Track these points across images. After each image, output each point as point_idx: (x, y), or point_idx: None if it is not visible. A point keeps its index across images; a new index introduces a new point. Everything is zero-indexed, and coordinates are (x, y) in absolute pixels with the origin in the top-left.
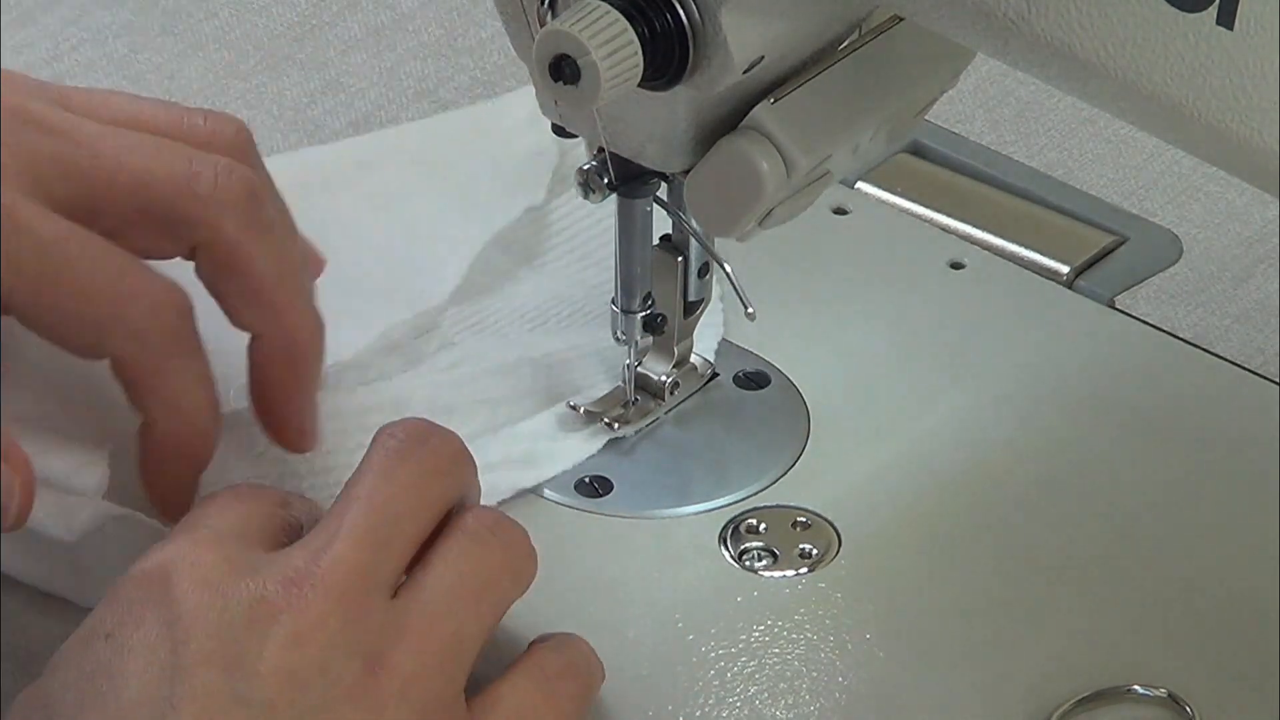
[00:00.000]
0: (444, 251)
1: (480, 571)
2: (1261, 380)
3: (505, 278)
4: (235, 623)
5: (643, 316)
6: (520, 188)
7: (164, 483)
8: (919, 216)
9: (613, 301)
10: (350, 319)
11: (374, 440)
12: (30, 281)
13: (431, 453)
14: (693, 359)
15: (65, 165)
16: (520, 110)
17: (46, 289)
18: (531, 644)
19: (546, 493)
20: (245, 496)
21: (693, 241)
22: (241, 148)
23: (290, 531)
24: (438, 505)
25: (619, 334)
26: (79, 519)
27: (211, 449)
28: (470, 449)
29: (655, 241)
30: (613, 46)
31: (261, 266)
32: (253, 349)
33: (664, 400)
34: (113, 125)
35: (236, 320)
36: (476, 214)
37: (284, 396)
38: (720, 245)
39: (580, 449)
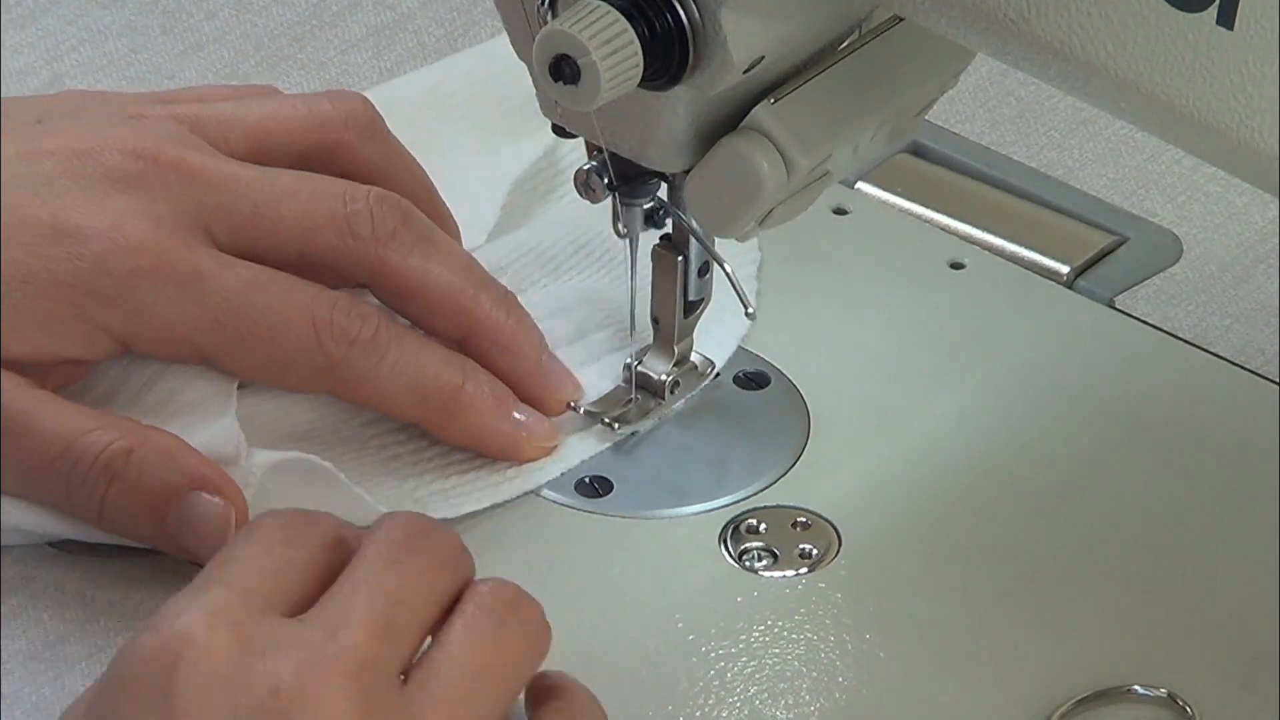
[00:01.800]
0: (476, 190)
1: (500, 654)
2: (1261, 380)
3: (526, 215)
4: (243, 716)
5: (647, 208)
6: (533, 125)
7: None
8: (919, 216)
9: (609, 185)
10: None
11: (375, 529)
12: (225, 330)
13: (436, 547)
14: (693, 358)
15: (228, 217)
16: None
17: (244, 335)
18: None
19: (546, 493)
20: (292, 539)
21: (693, 241)
22: (371, 120)
23: (330, 575)
24: (445, 598)
25: (619, 228)
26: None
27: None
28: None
29: (655, 241)
30: (613, 47)
31: (436, 279)
32: (467, 350)
33: (664, 400)
34: (255, 140)
35: (433, 330)
36: (497, 153)
37: (522, 374)
38: (720, 245)
39: (583, 448)
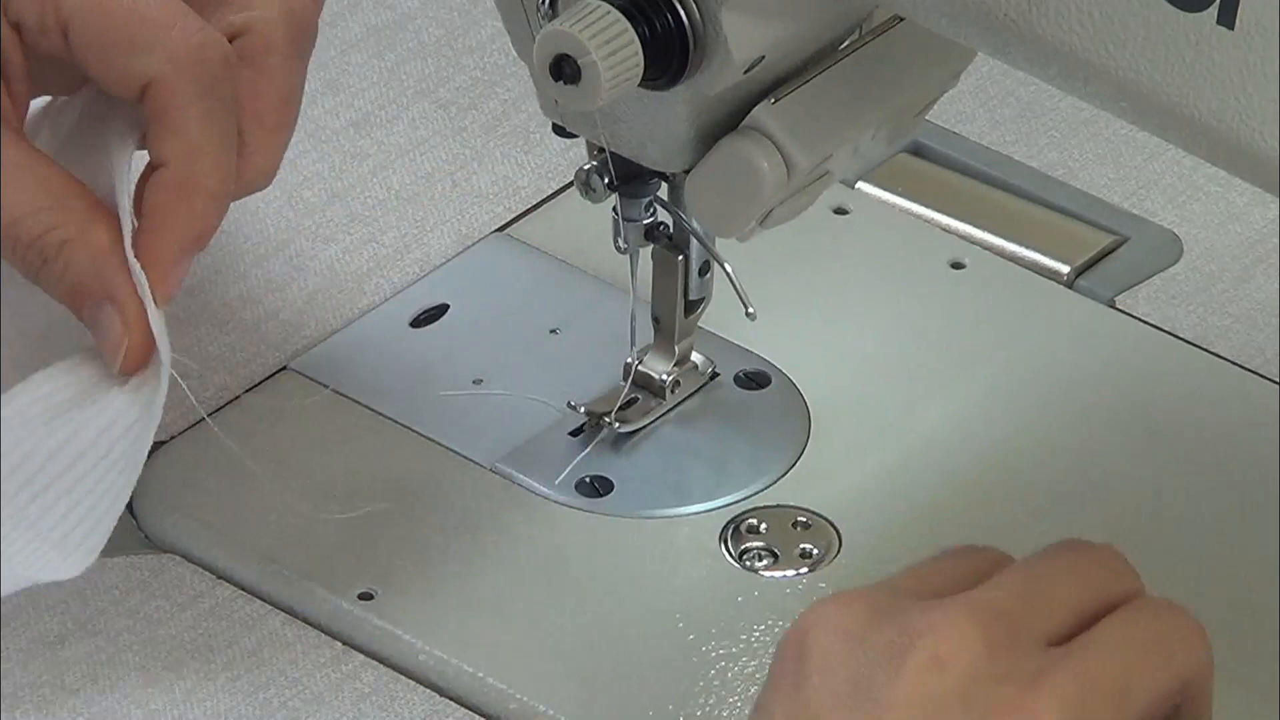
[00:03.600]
0: None
1: (1151, 631)
2: (1261, 380)
3: None
4: (870, 661)
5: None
6: None
7: (158, 244)
8: (919, 216)
9: (614, 209)
10: None
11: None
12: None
13: (1095, 550)
14: (693, 358)
15: None
16: None
17: (99, 8)
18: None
19: (547, 493)
20: (958, 560)
21: (693, 241)
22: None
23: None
24: (1100, 592)
25: (619, 243)
26: None
27: (215, 223)
28: None
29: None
30: (613, 47)
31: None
32: (152, 180)
33: (664, 399)
34: None
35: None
36: None
37: (163, 226)
38: (720, 245)
39: None
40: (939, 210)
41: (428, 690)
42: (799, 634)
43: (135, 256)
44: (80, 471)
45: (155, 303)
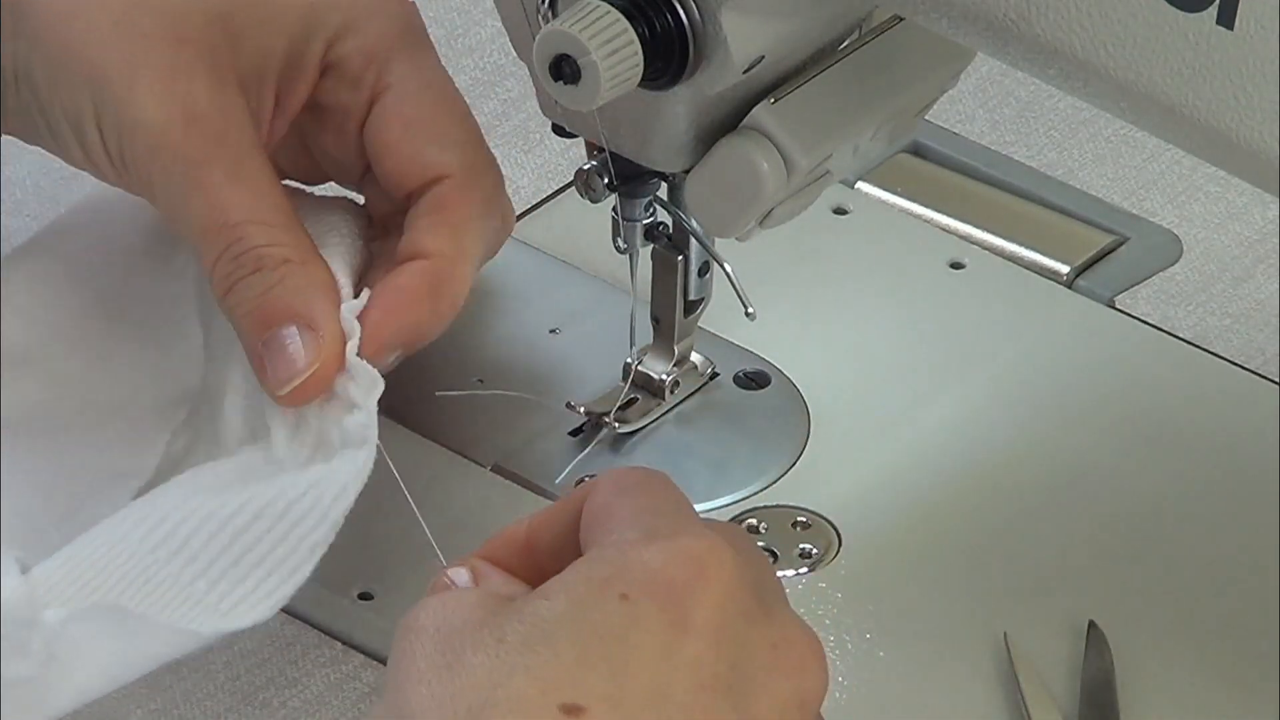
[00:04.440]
0: None
1: None
2: (1261, 380)
3: None
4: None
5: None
6: None
7: (390, 324)
8: (919, 216)
9: (614, 209)
10: None
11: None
12: None
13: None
14: (693, 358)
15: None
16: None
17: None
18: None
19: (547, 493)
20: None
21: (693, 241)
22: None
23: None
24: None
25: (619, 243)
26: None
27: (437, 332)
28: None
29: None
30: (613, 46)
31: None
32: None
33: (664, 399)
34: None
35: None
36: None
37: (402, 309)
38: (720, 245)
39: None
40: (939, 210)
41: None
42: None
43: (365, 324)
44: (285, 528)
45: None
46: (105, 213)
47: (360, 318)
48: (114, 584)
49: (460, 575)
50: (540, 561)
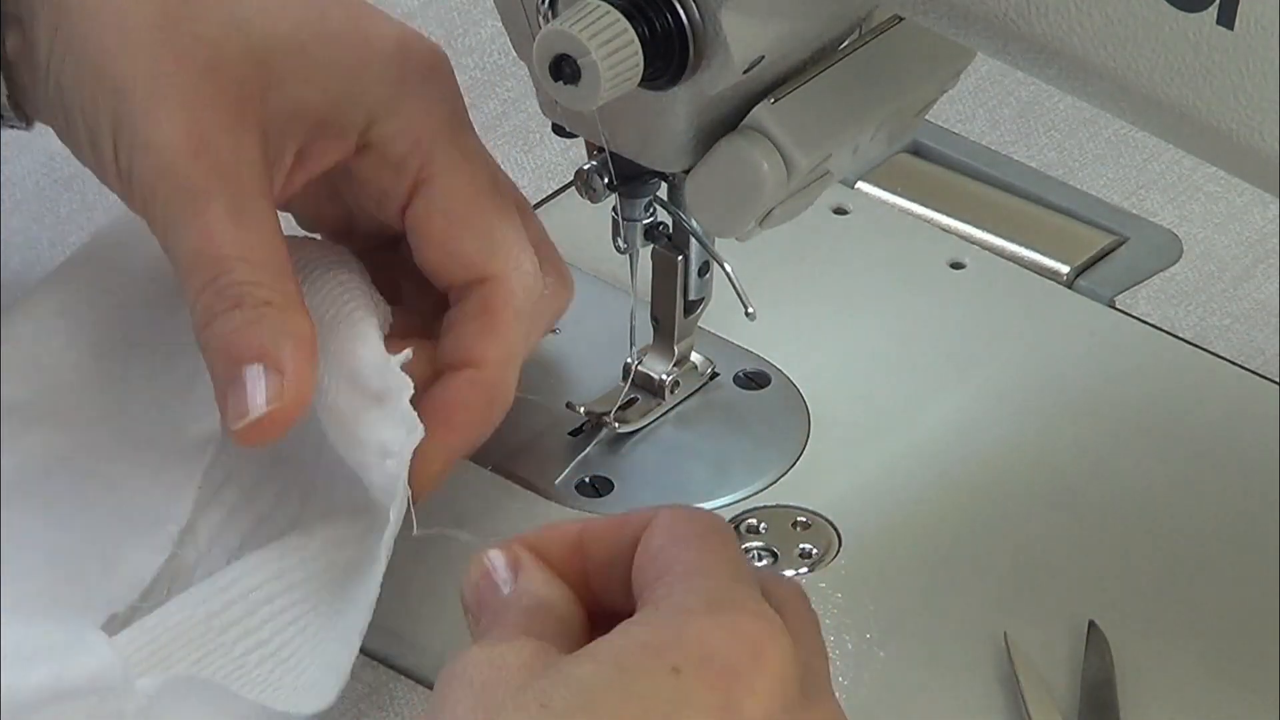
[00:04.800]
0: None
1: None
2: (1261, 380)
3: None
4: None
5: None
6: None
7: (456, 441)
8: (919, 216)
9: (613, 209)
10: None
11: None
12: None
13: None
14: (693, 358)
15: None
16: None
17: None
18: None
19: (547, 493)
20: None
21: (693, 241)
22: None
23: None
24: None
25: (619, 243)
26: None
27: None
28: None
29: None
30: (613, 46)
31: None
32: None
33: (664, 399)
34: None
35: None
36: None
37: (467, 425)
38: (720, 245)
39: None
40: (939, 210)
41: (427, 690)
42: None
43: (425, 447)
44: (332, 611)
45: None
46: (106, 258)
47: (425, 435)
48: (196, 656)
49: (499, 560)
50: (588, 569)
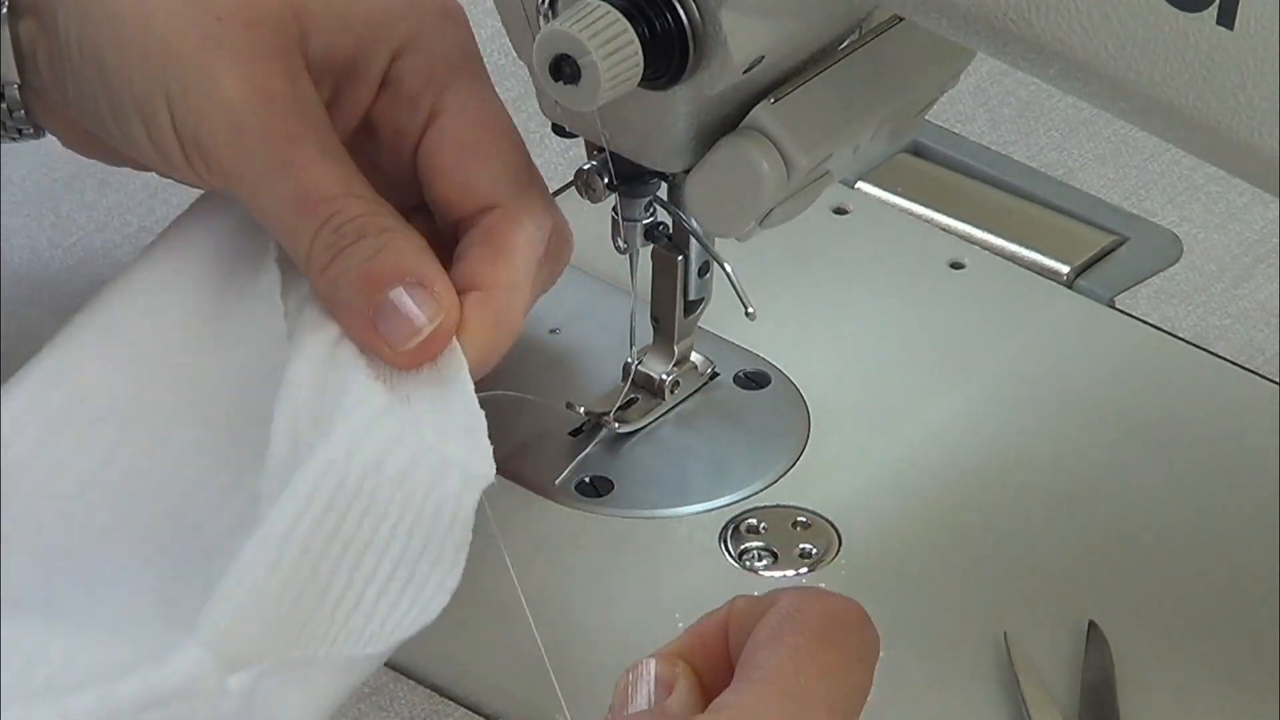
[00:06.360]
0: None
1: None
2: (1261, 380)
3: None
4: None
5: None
6: None
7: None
8: (919, 216)
9: (613, 209)
10: None
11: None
12: None
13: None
14: (693, 358)
15: None
16: None
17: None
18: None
19: (547, 493)
20: None
21: (693, 241)
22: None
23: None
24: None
25: (619, 243)
26: None
27: (493, 364)
28: None
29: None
30: (613, 46)
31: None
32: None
33: (664, 399)
34: None
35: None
36: None
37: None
38: (720, 245)
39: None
40: (939, 210)
41: (427, 690)
42: None
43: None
44: (425, 531)
45: None
46: (139, 299)
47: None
48: (279, 634)
49: (651, 673)
50: (730, 647)
